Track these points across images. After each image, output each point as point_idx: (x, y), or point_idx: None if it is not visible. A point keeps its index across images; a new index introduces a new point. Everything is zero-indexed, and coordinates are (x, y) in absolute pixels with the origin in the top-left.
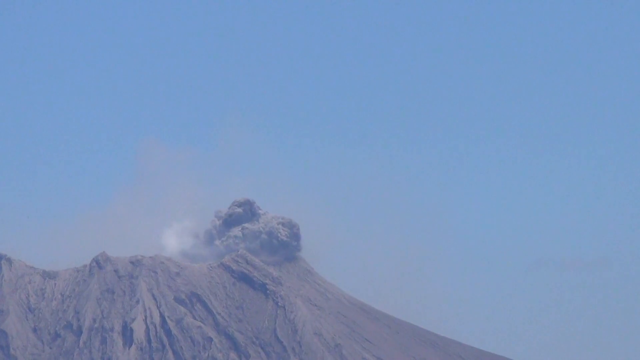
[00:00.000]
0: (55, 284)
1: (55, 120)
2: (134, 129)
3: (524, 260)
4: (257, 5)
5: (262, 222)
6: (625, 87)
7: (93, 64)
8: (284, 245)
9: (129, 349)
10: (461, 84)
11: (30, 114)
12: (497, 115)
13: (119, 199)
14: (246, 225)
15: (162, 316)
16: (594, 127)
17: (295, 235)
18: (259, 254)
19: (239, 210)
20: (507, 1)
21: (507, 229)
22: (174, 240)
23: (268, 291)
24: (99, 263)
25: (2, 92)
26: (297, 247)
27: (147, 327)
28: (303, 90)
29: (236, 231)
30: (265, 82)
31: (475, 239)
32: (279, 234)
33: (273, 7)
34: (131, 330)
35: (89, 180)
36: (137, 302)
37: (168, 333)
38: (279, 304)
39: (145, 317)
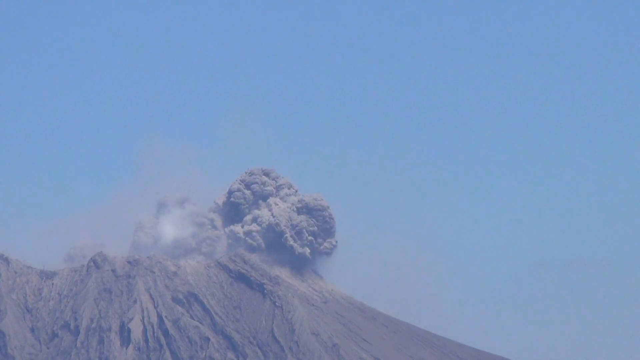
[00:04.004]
0: (52, 283)
1: (53, 119)
2: (134, 126)
3: (524, 260)
4: (258, 1)
5: (275, 210)
6: (625, 87)
7: (93, 62)
8: (298, 258)
9: (126, 348)
10: (463, 83)
11: (30, 112)
12: (499, 115)
13: (119, 197)
14: (248, 222)
15: (159, 316)
16: (594, 127)
17: (325, 228)
18: (261, 246)
19: (254, 179)
20: (507, 1)
21: (508, 229)
22: (171, 228)
23: (265, 291)
24: (96, 263)
25: (2, 88)
26: (310, 261)
27: (145, 327)
28: (306, 87)
29: (238, 227)
30: (268, 78)
31: (475, 239)
32: (291, 244)
33: (274, 3)
34: (129, 330)
35: (88, 179)
36: (135, 301)
37: (165, 333)
38: (277, 303)
39: (143, 317)
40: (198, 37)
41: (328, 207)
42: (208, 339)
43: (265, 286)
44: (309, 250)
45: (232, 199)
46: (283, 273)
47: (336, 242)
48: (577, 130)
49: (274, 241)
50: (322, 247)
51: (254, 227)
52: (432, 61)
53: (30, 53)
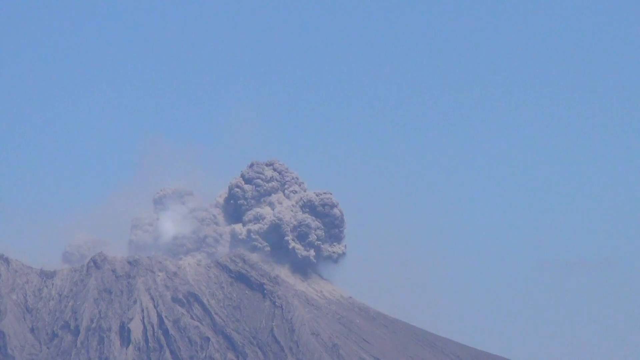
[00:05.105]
0: (52, 283)
1: (52, 118)
2: (134, 125)
3: (525, 261)
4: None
5: (278, 208)
6: (625, 87)
7: (93, 61)
8: (301, 261)
9: (126, 348)
10: (464, 84)
11: (30, 111)
12: (499, 116)
13: (119, 196)
14: (250, 221)
15: (159, 316)
16: (594, 127)
17: (333, 233)
18: (262, 247)
19: (256, 174)
20: (507, 1)
21: (508, 230)
22: (171, 226)
23: (265, 291)
24: (96, 263)
25: (2, 87)
26: (314, 264)
27: (145, 327)
28: (307, 85)
29: (239, 226)
30: (269, 77)
31: (475, 239)
32: (294, 247)
33: (275, 2)
34: (129, 330)
35: (88, 178)
36: (135, 302)
37: (165, 333)
38: (277, 303)
39: (143, 317)
40: (198, 33)
41: (337, 204)
42: (208, 339)
43: (265, 286)
44: (313, 253)
45: (231, 201)
46: (283, 272)
47: (345, 247)
48: (578, 130)
49: (277, 242)
50: (327, 252)
51: (256, 226)
52: (445, 58)
53: (31, 52)
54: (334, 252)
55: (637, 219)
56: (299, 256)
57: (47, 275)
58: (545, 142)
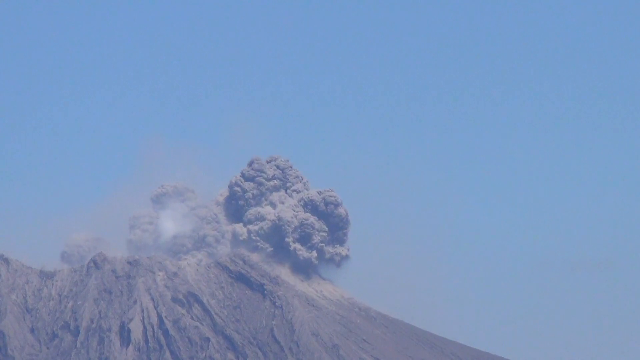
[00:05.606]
0: (52, 284)
1: (52, 118)
2: (135, 125)
3: (525, 261)
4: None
5: (279, 207)
6: (625, 87)
7: (92, 60)
8: (302, 263)
9: (126, 349)
10: (463, 83)
11: (31, 110)
12: (499, 115)
13: (119, 196)
14: (251, 220)
15: (159, 316)
16: (594, 127)
17: (337, 236)
18: (263, 247)
19: (258, 172)
20: (507, 1)
21: (508, 230)
22: (171, 225)
23: (266, 291)
24: (96, 263)
25: (1, 86)
26: (316, 266)
27: (145, 327)
28: (308, 84)
29: (239, 226)
30: (269, 76)
31: (475, 239)
32: (294, 248)
33: (274, 2)
34: (129, 330)
35: (87, 177)
36: (135, 302)
37: (165, 333)
38: (277, 304)
39: (143, 317)
40: (198, 33)
41: (341, 203)
42: (208, 339)
43: (265, 286)
44: (315, 255)
45: (232, 200)
46: (283, 272)
47: (348, 250)
48: (578, 130)
49: (278, 242)
50: (330, 254)
51: (256, 226)
52: (447, 58)
53: (31, 51)
54: (336, 254)
55: (637, 219)
56: (301, 258)
57: (47, 276)
58: (546, 142)
